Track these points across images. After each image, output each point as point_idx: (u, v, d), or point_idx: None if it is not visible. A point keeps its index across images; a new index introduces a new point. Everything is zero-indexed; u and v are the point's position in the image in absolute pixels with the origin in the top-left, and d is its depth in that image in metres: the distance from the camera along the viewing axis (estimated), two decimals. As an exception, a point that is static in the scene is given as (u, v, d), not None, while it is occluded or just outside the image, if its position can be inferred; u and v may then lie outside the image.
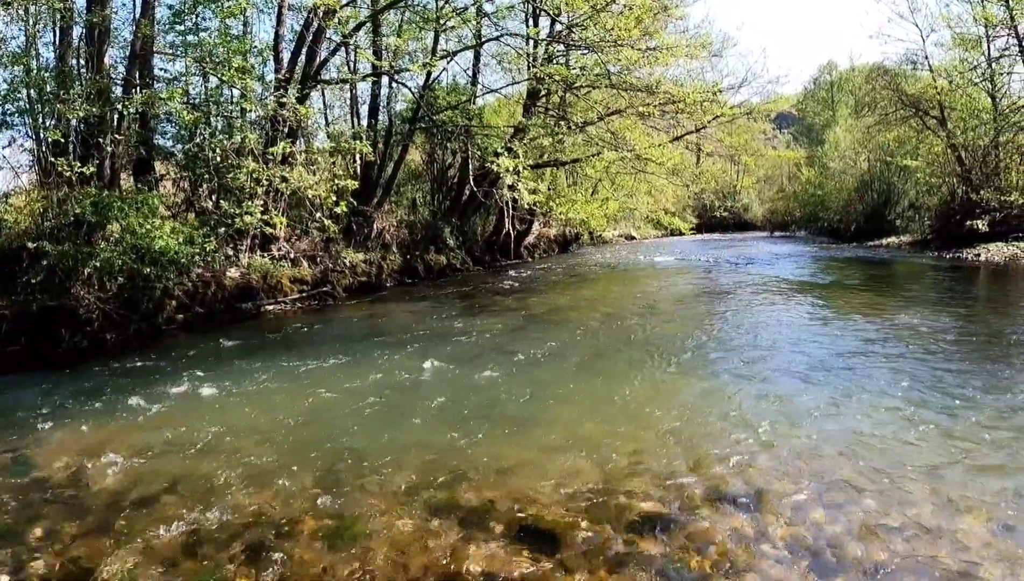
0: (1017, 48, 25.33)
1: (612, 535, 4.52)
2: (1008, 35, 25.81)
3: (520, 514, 4.83)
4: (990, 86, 26.75)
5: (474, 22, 19.73)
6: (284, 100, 14.10)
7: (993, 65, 26.66)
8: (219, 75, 13.09)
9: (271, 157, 14.15)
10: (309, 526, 4.76)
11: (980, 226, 24.58)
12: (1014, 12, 24.88)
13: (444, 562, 4.28)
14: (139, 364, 9.55)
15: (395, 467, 5.68)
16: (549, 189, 26.01)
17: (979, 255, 22.59)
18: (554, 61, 21.99)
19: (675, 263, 25.79)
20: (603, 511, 4.85)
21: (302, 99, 15.10)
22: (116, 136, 12.44)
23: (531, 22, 22.07)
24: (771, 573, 4.08)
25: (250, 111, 14.67)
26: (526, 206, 22.09)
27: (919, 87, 29.19)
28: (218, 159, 13.66)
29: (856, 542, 4.36)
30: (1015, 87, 27.03)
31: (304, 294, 15.59)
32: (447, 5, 19.04)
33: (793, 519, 4.68)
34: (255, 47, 14.98)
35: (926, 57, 29.38)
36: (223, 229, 13.63)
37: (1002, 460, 5.53)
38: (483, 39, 20.58)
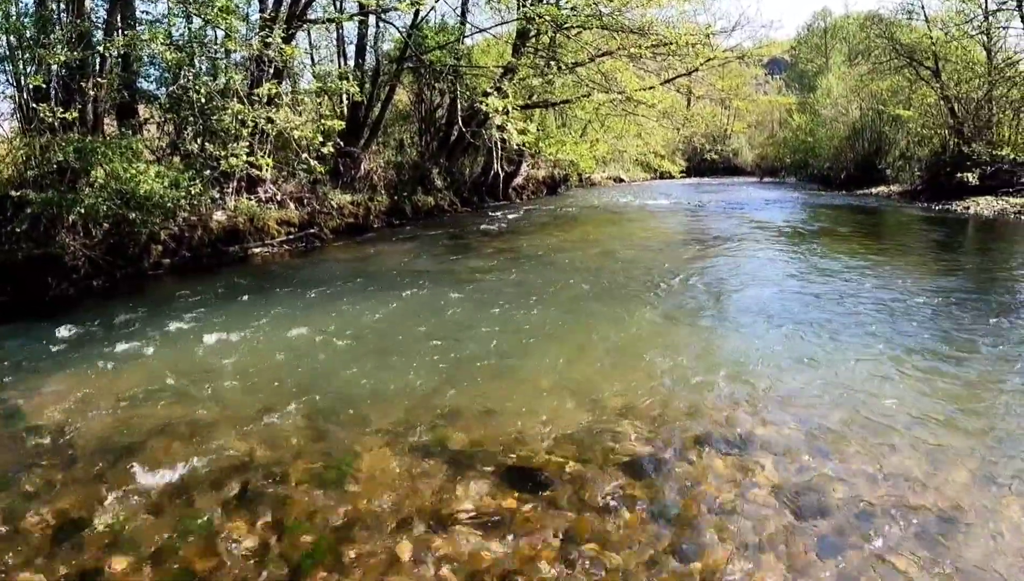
0: (1015, 2, 25.06)
1: (600, 476, 4.63)
2: (1007, -12, 25.54)
3: (509, 456, 4.92)
4: (986, 39, 26.57)
5: (464, -41, 19.43)
6: (270, 40, 13.88)
7: (990, 18, 26.41)
8: (203, 15, 12.85)
9: (257, 98, 13.99)
10: (299, 469, 4.81)
11: (970, 179, 24.62)
12: (1013, -35, 24.63)
13: (434, 504, 4.36)
14: (126, 310, 9.50)
15: (383, 409, 5.77)
16: (538, 130, 25.85)
17: (968, 208, 22.63)
18: (545, 1, 21.68)
19: (664, 206, 25.86)
20: (592, 452, 4.94)
21: (288, 39, 14.84)
22: (98, 80, 12.22)
23: (523, -41, 21.66)
24: (758, 515, 4.19)
25: (235, 52, 14.47)
26: (515, 147, 21.99)
27: (914, 37, 28.83)
28: (203, 101, 13.48)
29: (841, 487, 4.46)
30: (1011, 41, 26.94)
31: (291, 236, 15.58)
32: (437, -59, 18.72)
33: (779, 463, 4.79)
34: (238, -15, 14.71)
35: (922, 7, 29.04)
36: (208, 172, 13.54)
37: (986, 412, 5.65)
38: (473, -24, 20.27)
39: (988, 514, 4.18)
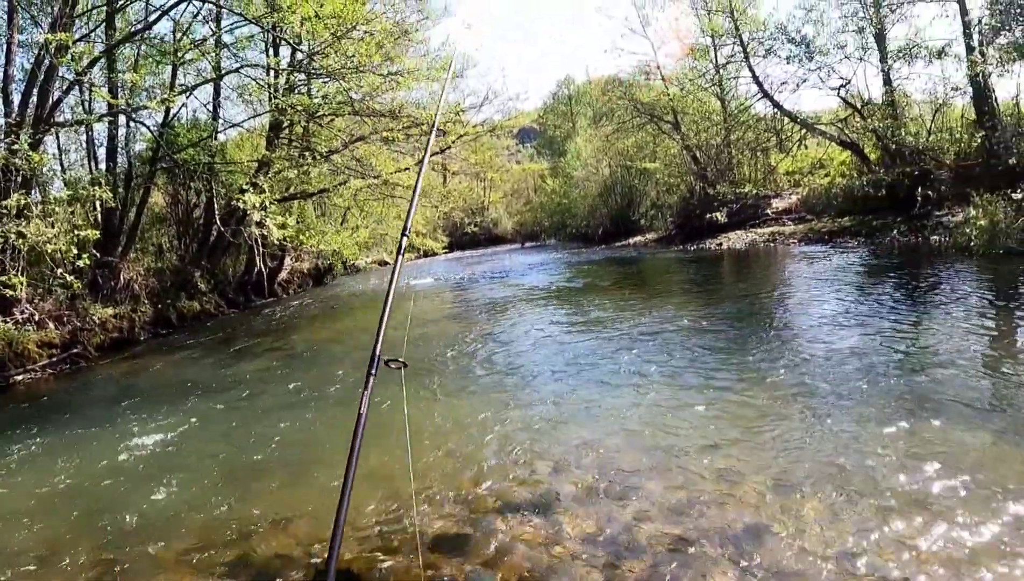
0: (742, 54, 28.62)
1: (410, 563, 4.56)
2: (734, 43, 29.26)
3: (315, 560, 4.77)
4: (719, 90, 30.21)
5: (213, 54, 19.29)
6: (16, 147, 13.14)
7: (721, 71, 30.01)
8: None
9: (5, 211, 13.12)
10: (92, 618, 4.49)
11: (719, 218, 27.57)
12: (738, 23, 28.21)
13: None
14: None
15: (177, 533, 5.46)
16: (298, 222, 25.75)
17: (721, 244, 25.17)
18: (296, 91, 21.87)
19: (431, 284, 26.38)
20: (399, 541, 4.89)
21: (35, 144, 14.10)
22: None
23: (271, 52, 21.85)
24: (572, 571, 4.26)
25: (-21, 161, 13.55)
26: (276, 242, 21.79)
27: (653, 95, 32.13)
28: (-54, 218, 12.50)
29: (649, 525, 4.63)
30: (741, 89, 30.87)
31: (55, 358, 14.54)
32: (185, 37, 18.50)
33: (583, 514, 4.91)
34: (-18, 89, 13.89)
35: (658, 67, 32.39)
36: (-42, 296, 12.53)
37: (767, 425, 6.18)
38: (223, 71, 20.11)
39: (788, 517, 4.57)
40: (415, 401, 8.59)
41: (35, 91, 14.96)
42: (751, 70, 28.07)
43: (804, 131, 27.86)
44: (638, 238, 33.36)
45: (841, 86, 25.33)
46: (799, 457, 5.40)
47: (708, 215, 27.86)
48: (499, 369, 9.83)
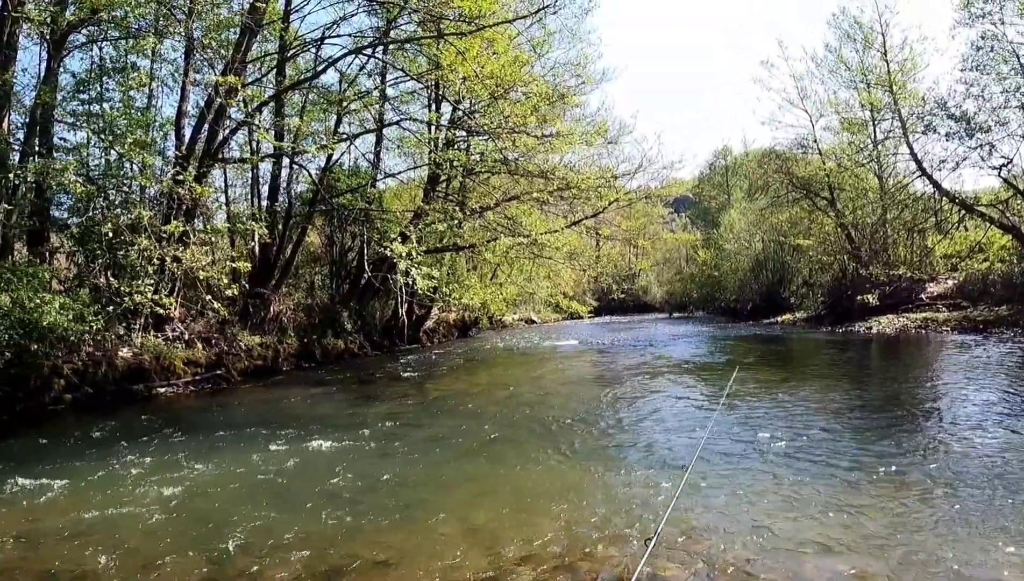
0: (901, 130, 27.47)
1: None
2: (892, 118, 28.20)
3: None
4: (877, 167, 29.05)
5: (376, 106, 20.25)
6: (181, 177, 14.15)
7: (879, 147, 28.91)
8: (116, 147, 13.11)
9: (165, 235, 14.13)
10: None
11: (870, 300, 26.29)
12: (897, 97, 27.21)
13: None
14: (23, 445, 9.24)
15: (281, 558, 5.54)
16: (448, 274, 26.42)
17: (871, 328, 23.99)
18: (454, 146, 22.70)
19: (574, 346, 26.18)
20: None
21: (200, 177, 15.17)
22: (7, 205, 12.27)
23: (433, 107, 22.74)
24: None
25: (148, 187, 14.66)
26: (420, 291, 22.23)
27: (809, 170, 31.25)
28: (110, 235, 13.54)
29: None
30: (900, 167, 29.51)
31: (198, 377, 15.38)
32: (350, 88, 19.52)
33: None
34: (157, 121, 15.05)
35: (815, 141, 31.58)
36: (112, 307, 13.47)
37: (892, 529, 5.66)
38: (385, 123, 21.09)
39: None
40: (536, 461, 8.48)
41: (204, 128, 16.13)
42: (909, 146, 26.94)
43: (963, 212, 26.38)
44: (786, 316, 32.34)
45: (1003, 165, 23.71)
46: (923, 569, 4.92)
47: (859, 297, 26.69)
48: (622, 438, 9.61)
